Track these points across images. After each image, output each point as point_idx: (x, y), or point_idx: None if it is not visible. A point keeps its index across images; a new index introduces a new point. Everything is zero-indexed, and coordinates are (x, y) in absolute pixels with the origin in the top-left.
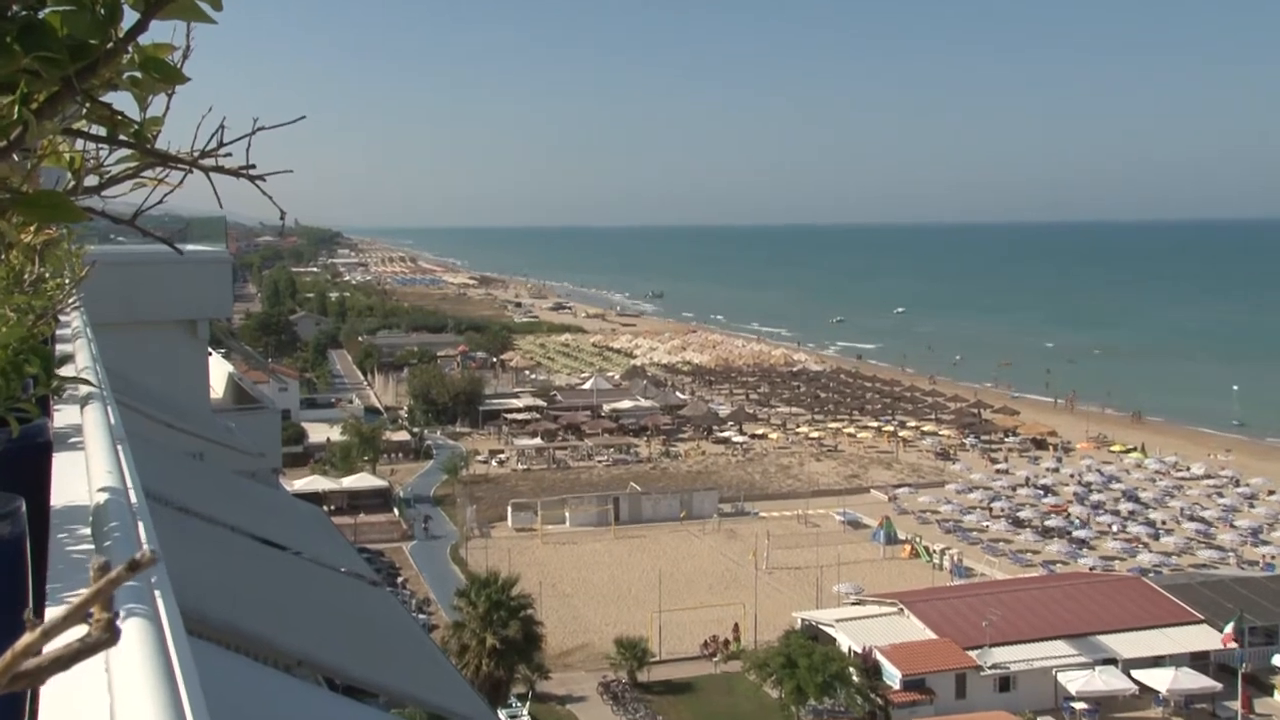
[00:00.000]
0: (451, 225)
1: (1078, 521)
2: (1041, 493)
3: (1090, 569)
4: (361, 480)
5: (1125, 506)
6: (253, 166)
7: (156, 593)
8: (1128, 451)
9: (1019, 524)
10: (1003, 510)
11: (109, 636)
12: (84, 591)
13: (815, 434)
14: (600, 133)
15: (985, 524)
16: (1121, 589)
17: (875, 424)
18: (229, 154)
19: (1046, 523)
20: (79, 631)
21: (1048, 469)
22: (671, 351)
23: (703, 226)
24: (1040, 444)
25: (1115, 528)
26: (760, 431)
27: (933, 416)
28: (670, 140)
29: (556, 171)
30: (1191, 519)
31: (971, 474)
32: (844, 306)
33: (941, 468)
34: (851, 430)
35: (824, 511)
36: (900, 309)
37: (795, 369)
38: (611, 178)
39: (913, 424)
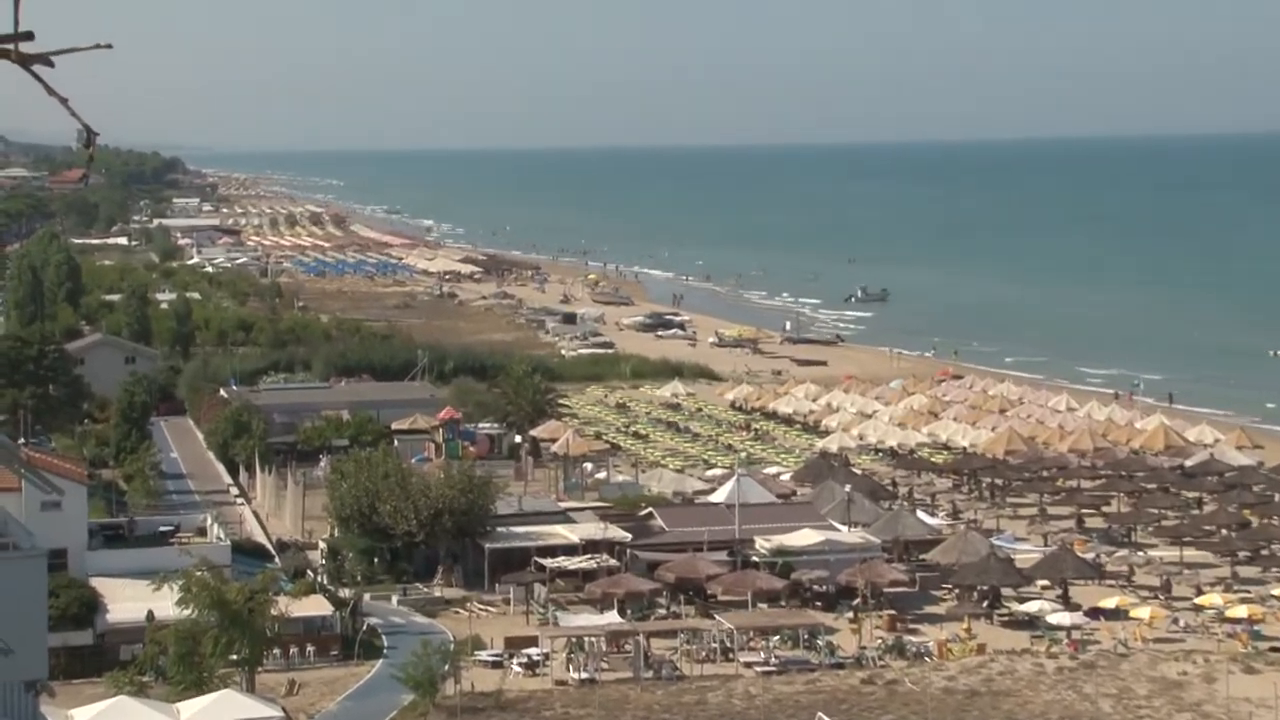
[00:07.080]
0: (419, 146)
1: None
2: None
3: None
4: (225, 707)
5: None
6: (28, 36)
7: None
8: None
9: None
10: None
11: None
12: None
13: (1239, 611)
14: None
15: None
16: None
17: None
18: None
19: None
20: None
21: None
22: (909, 420)
23: (936, 142)
24: None
25: None
26: (1112, 602)
27: None
28: None
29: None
30: None
31: None
32: None
33: None
34: None
35: None
36: None
37: (1189, 463)
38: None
39: None
